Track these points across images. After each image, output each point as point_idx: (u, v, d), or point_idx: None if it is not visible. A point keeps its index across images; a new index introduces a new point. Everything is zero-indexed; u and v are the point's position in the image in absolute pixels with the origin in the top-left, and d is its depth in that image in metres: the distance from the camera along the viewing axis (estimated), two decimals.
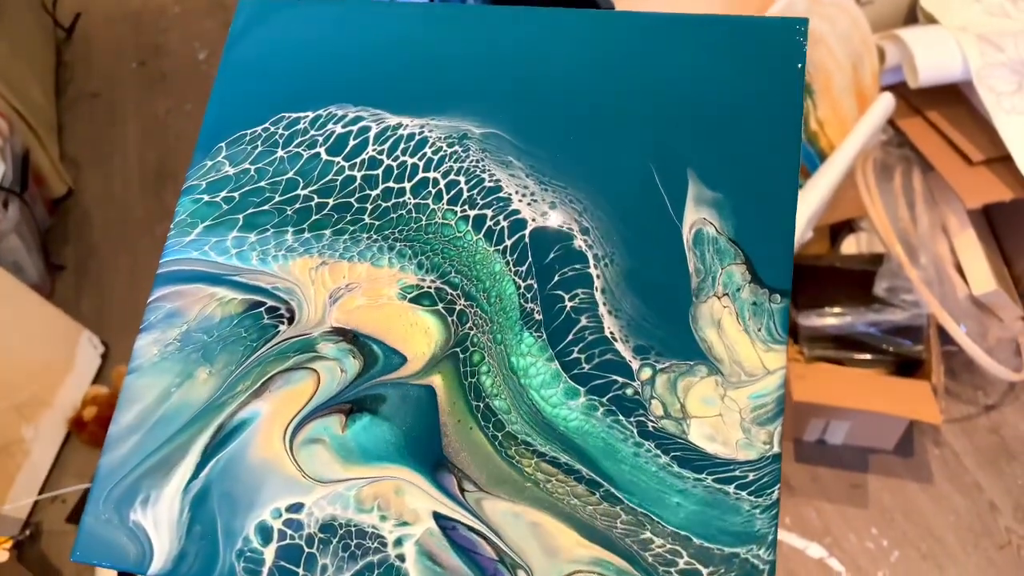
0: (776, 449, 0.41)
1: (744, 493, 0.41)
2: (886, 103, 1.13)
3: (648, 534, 0.41)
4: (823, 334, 1.27)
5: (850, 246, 1.33)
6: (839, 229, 1.36)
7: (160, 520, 0.44)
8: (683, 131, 0.47)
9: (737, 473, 0.41)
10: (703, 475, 0.41)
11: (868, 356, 1.27)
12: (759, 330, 0.43)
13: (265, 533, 0.43)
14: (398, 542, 0.42)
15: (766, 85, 0.46)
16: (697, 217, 0.45)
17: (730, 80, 0.47)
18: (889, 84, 1.23)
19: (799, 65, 0.46)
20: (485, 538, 0.42)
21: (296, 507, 0.43)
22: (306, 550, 0.43)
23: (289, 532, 0.43)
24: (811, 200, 1.08)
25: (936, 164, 1.17)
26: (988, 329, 1.18)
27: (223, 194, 0.50)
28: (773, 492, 0.40)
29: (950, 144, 1.16)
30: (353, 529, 0.43)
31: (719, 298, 0.44)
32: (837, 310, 1.26)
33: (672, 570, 0.40)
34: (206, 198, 0.50)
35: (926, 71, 1.12)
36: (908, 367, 1.26)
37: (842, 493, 1.27)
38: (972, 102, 1.16)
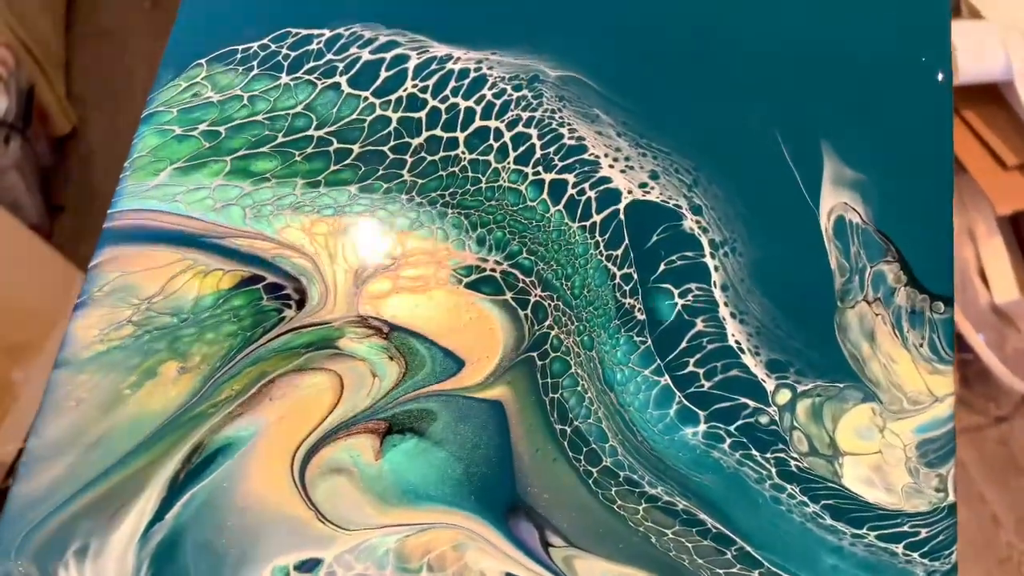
0: (952, 498, 0.32)
1: (915, 555, 0.32)
2: None
3: None
4: None
5: None
6: None
7: None
8: (816, 93, 0.37)
9: (907, 528, 0.32)
10: (863, 530, 0.32)
11: None
12: (921, 345, 0.34)
13: None
14: None
15: (911, 43, 0.38)
16: (837, 201, 0.36)
17: (871, 34, 0.38)
18: None
19: (946, 16, 0.38)
20: None
21: (310, 564, 0.31)
22: None
23: None
24: None
25: (968, 166, 1.12)
26: (1006, 339, 1.15)
27: (202, 127, 0.37)
28: (951, 555, 0.32)
29: (985, 146, 1.13)
30: None
31: (869, 303, 0.35)
32: None
33: None
34: (178, 130, 0.37)
35: (967, 67, 1.06)
36: None
37: None
38: (1011, 103, 1.13)
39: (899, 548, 0.32)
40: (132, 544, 0.31)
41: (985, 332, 1.13)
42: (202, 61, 0.38)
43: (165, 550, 0.31)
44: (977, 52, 1.09)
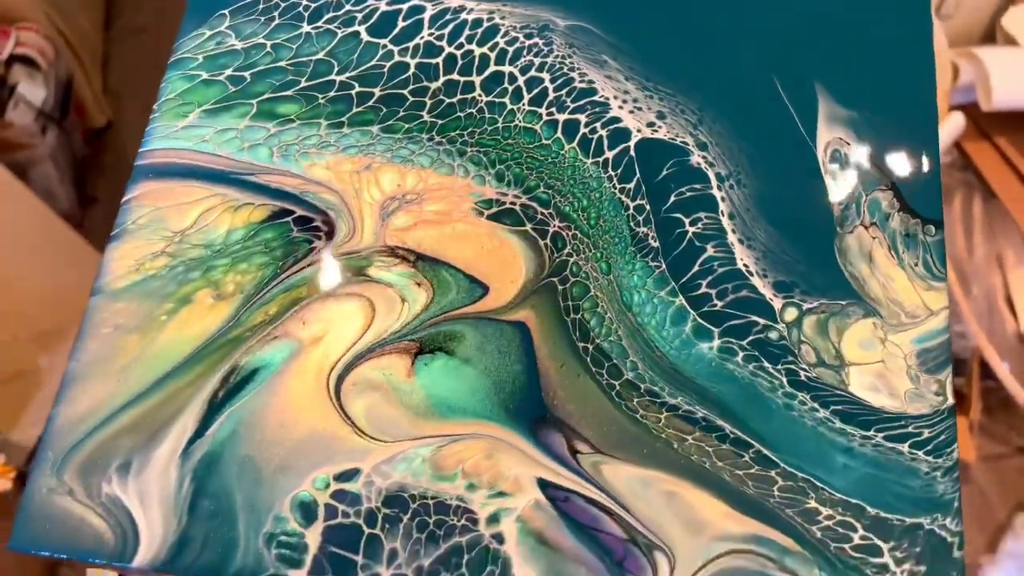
0: (950, 401, 0.35)
1: (920, 453, 0.34)
2: (956, 123, 1.08)
3: (813, 503, 0.33)
4: None
5: None
6: None
7: (148, 493, 0.31)
8: (808, 40, 0.40)
9: (911, 429, 0.34)
10: (871, 432, 0.34)
11: None
12: (915, 265, 0.37)
13: (307, 510, 0.31)
14: (493, 518, 0.32)
15: None
16: (832, 136, 0.38)
17: None
18: (958, 104, 1.17)
19: None
20: (609, 512, 0.32)
21: (350, 474, 0.32)
22: (366, 531, 0.31)
23: (341, 507, 0.32)
24: None
25: (1000, 192, 1.13)
26: None
27: (228, 72, 0.38)
28: (953, 452, 0.34)
29: (1016, 173, 1.13)
30: (431, 503, 0.32)
31: (866, 228, 0.37)
32: None
33: (847, 547, 0.32)
34: (204, 75, 0.38)
35: (1001, 94, 1.07)
36: None
37: None
38: None
39: (905, 447, 0.34)
40: (174, 459, 0.32)
41: (1010, 361, 1.14)
42: (225, 12, 0.40)
43: (206, 464, 0.32)
44: (1011, 79, 1.07)
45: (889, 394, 0.35)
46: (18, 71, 1.06)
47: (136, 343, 0.33)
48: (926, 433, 0.34)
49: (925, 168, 0.38)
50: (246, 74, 0.38)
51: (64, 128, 1.27)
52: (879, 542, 0.32)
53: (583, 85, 0.39)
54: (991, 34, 1.26)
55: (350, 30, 0.39)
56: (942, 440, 0.34)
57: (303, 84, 0.38)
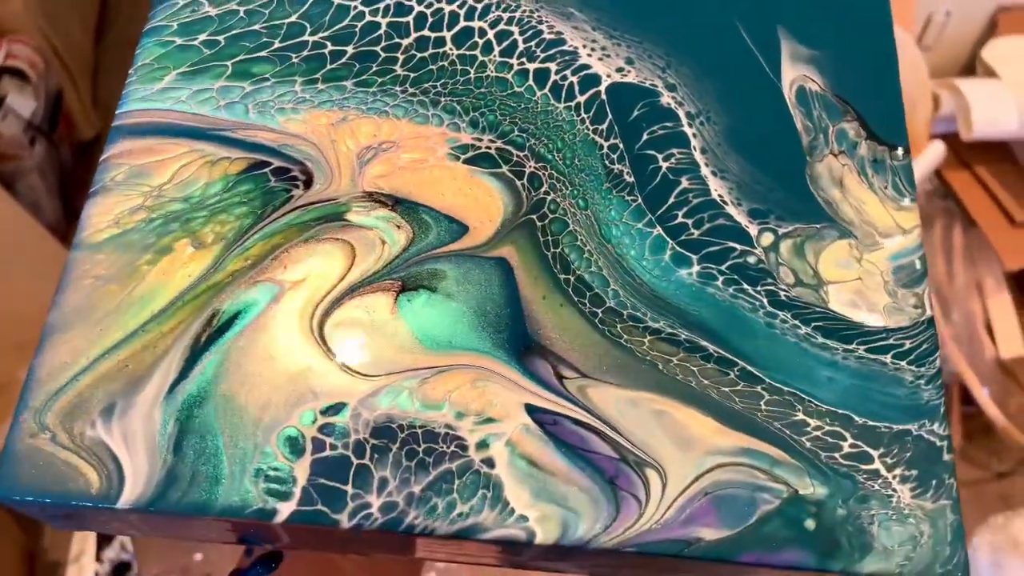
0: (929, 312, 0.35)
1: (903, 363, 0.34)
2: (936, 151, 1.10)
3: (800, 415, 0.33)
4: None
5: None
6: None
7: (133, 434, 0.31)
8: None
9: (892, 341, 0.34)
10: (853, 345, 0.34)
11: None
12: (885, 187, 0.37)
13: (294, 444, 0.31)
14: (483, 444, 0.32)
15: None
16: (796, 74, 0.39)
17: None
18: (939, 133, 1.20)
19: None
20: (598, 433, 0.32)
21: (336, 408, 0.32)
22: (355, 462, 0.31)
23: (329, 440, 0.31)
24: None
25: (979, 221, 1.15)
26: (1010, 395, 1.18)
27: (203, 37, 0.39)
28: (935, 360, 0.34)
29: (995, 202, 1.16)
30: (420, 431, 0.32)
31: (836, 155, 0.38)
32: None
33: (836, 455, 0.32)
34: (179, 41, 0.39)
35: (981, 124, 1.10)
36: None
37: None
38: (1022, 161, 1.16)
39: (887, 358, 0.34)
40: (158, 402, 0.32)
41: (990, 386, 1.16)
42: None
43: (191, 404, 0.31)
44: (991, 110, 1.11)
45: (868, 309, 0.35)
46: (7, 83, 1.07)
47: (117, 292, 0.33)
48: (907, 344, 0.34)
49: (887, 97, 0.39)
50: (220, 38, 0.39)
51: (53, 140, 1.28)
52: (869, 449, 0.32)
53: (552, 36, 0.40)
54: (971, 66, 1.31)
55: None
56: (924, 350, 0.34)
57: (277, 45, 0.39)
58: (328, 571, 0.41)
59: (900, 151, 0.38)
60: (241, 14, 0.40)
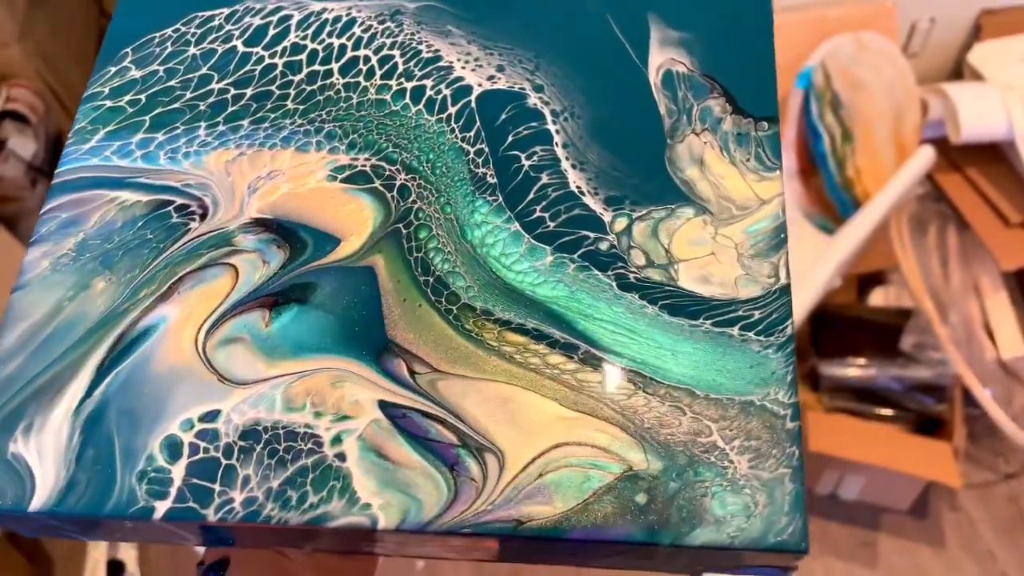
0: (783, 280, 0.34)
1: (751, 333, 0.34)
2: (926, 156, 1.10)
3: (642, 393, 0.33)
4: (844, 385, 1.21)
5: (878, 298, 1.28)
6: (867, 280, 1.32)
7: (45, 448, 0.36)
8: None
9: (740, 313, 0.34)
10: (699, 320, 0.34)
11: (889, 411, 1.21)
12: (747, 160, 0.37)
13: (173, 448, 0.35)
14: (336, 439, 0.34)
15: None
16: (664, 59, 0.40)
17: None
18: (930, 138, 1.20)
19: None
20: (443, 422, 0.34)
21: (211, 415, 0.35)
22: (223, 462, 0.34)
23: (203, 444, 0.35)
24: (842, 247, 1.04)
25: (973, 223, 1.14)
26: (1014, 395, 1.13)
27: (127, 97, 0.44)
28: (786, 328, 0.33)
29: (988, 203, 1.14)
30: (281, 432, 0.35)
31: (697, 134, 0.38)
32: (860, 361, 1.20)
33: (674, 430, 0.32)
34: (108, 104, 0.44)
35: (969, 127, 1.09)
36: (928, 426, 1.19)
37: (851, 551, 1.19)
38: (1013, 162, 1.14)
39: (735, 330, 0.34)
40: (67, 418, 0.36)
41: (992, 387, 1.11)
42: (127, 49, 0.46)
43: (93, 419, 0.36)
44: (979, 113, 1.11)
45: (719, 284, 0.35)
46: (8, 127, 1.14)
47: (43, 327, 0.38)
48: (757, 315, 0.34)
49: (759, 71, 0.39)
50: (142, 96, 0.44)
51: None
52: (708, 423, 0.32)
53: (429, 55, 0.42)
54: (958, 70, 1.32)
55: (229, 45, 0.45)
56: (774, 319, 0.34)
57: (188, 96, 0.44)
58: (276, 574, 0.44)
59: (766, 123, 0.37)
60: (160, 73, 0.45)
